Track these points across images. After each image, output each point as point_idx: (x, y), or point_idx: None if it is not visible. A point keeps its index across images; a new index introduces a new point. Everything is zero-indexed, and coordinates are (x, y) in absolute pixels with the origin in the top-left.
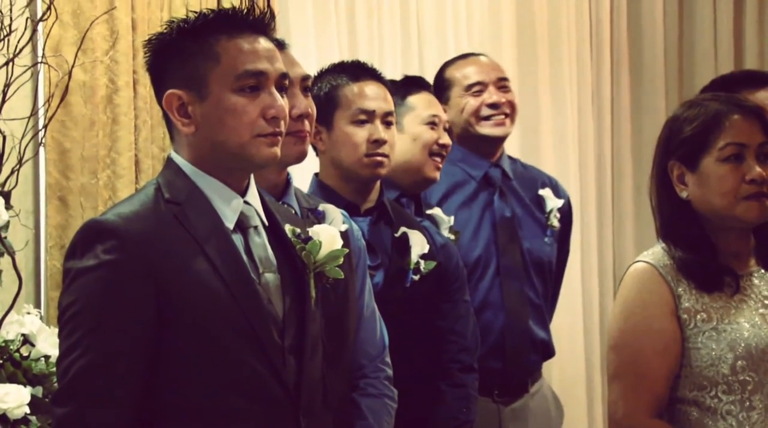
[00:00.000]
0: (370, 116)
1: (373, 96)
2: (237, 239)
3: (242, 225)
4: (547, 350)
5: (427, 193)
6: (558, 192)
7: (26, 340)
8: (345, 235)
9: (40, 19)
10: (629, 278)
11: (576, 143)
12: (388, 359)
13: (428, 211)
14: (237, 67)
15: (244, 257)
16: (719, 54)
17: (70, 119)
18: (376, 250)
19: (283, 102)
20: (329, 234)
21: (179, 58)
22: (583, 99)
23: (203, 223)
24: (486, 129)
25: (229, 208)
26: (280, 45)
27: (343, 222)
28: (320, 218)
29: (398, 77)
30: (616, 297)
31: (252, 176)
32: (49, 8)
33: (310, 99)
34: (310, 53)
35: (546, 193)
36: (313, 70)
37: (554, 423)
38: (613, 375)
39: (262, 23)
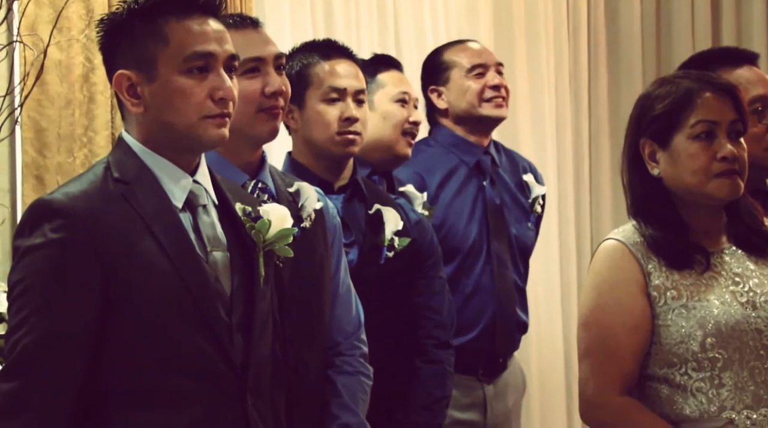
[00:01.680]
0: (341, 94)
1: (345, 74)
2: (185, 218)
3: (191, 203)
4: (525, 328)
5: (424, 182)
6: (538, 178)
7: (2, 319)
8: (320, 213)
9: None
10: (600, 256)
11: (554, 125)
12: (363, 336)
13: (401, 188)
14: (185, 48)
15: (192, 235)
16: (696, 33)
17: (47, 98)
18: (350, 228)
19: (231, 83)
20: (279, 213)
21: (129, 39)
22: (560, 80)
23: (151, 202)
24: (488, 110)
25: (177, 186)
26: (254, 23)
27: (318, 200)
28: (272, 196)
29: None
30: (587, 275)
31: (203, 155)
32: None
33: (284, 77)
34: (285, 36)
35: (529, 178)
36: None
37: (521, 396)
38: (583, 353)
39: (212, 5)
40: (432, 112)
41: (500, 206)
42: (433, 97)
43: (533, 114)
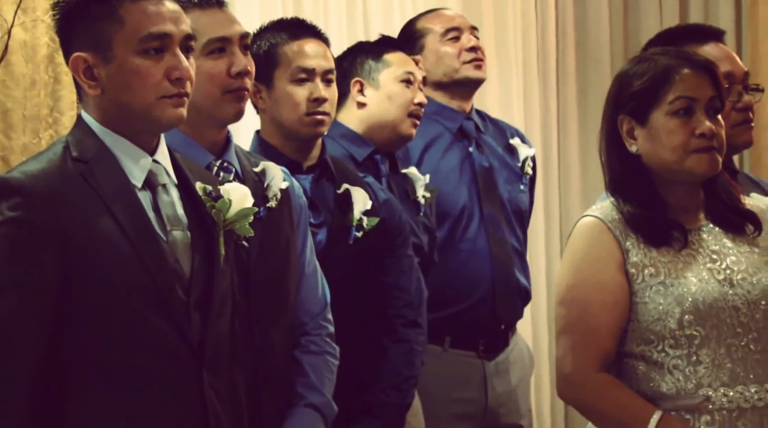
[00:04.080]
0: (310, 74)
1: (313, 54)
2: (145, 197)
3: (150, 183)
4: (528, 297)
5: (407, 148)
6: (526, 141)
7: None
8: (286, 192)
9: None
10: (577, 232)
11: (521, 104)
12: (329, 316)
13: (403, 170)
14: (140, 29)
15: (152, 215)
16: (664, 11)
17: (11, 79)
18: (318, 208)
19: (187, 63)
20: (240, 192)
21: (85, 21)
22: (528, 61)
23: (109, 181)
24: (468, 71)
25: (137, 166)
26: (219, 3)
27: (284, 180)
28: (237, 175)
29: (342, 40)
30: (563, 252)
31: (162, 135)
32: None
33: (250, 57)
34: (254, 16)
35: (516, 142)
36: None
37: (528, 372)
38: (561, 330)
39: None
40: None
41: (489, 169)
42: None
43: (501, 96)
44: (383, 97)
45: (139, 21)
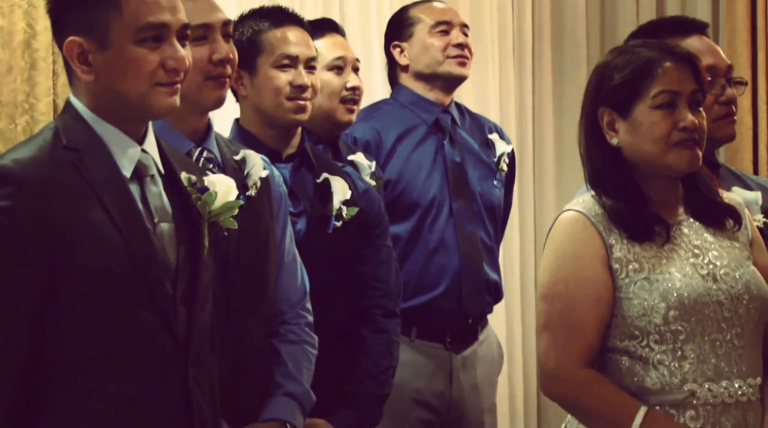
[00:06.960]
0: (293, 61)
1: (296, 41)
2: (133, 188)
3: (139, 173)
4: (498, 292)
5: (380, 136)
6: (504, 137)
7: None
8: (266, 181)
9: None
10: (560, 227)
11: (497, 99)
12: (308, 305)
13: (350, 157)
14: (139, 18)
15: (140, 206)
16: (641, 6)
17: None
18: (298, 197)
19: (183, 53)
20: (225, 184)
21: (81, 6)
22: (504, 58)
23: (100, 171)
24: (451, 67)
25: (126, 156)
26: None
27: (264, 169)
28: (217, 164)
29: None
30: (545, 247)
31: (150, 124)
32: None
33: (232, 44)
34: (230, 3)
35: (494, 137)
36: (233, 17)
37: (497, 368)
38: (543, 326)
39: None
40: (393, 69)
41: (461, 164)
42: (395, 52)
43: (476, 92)
44: None
45: (137, 9)
